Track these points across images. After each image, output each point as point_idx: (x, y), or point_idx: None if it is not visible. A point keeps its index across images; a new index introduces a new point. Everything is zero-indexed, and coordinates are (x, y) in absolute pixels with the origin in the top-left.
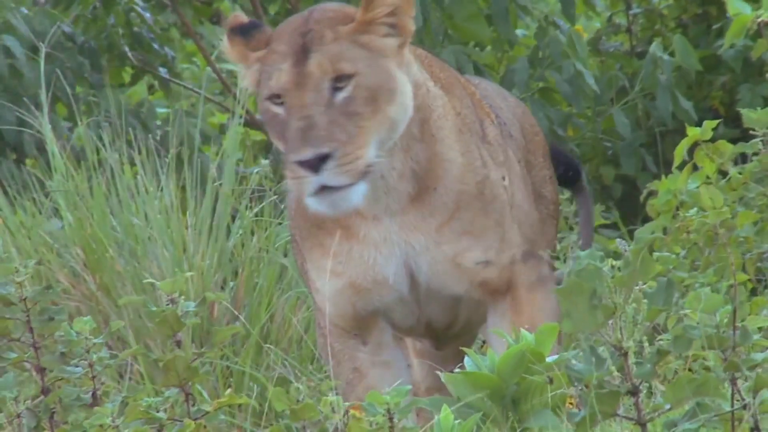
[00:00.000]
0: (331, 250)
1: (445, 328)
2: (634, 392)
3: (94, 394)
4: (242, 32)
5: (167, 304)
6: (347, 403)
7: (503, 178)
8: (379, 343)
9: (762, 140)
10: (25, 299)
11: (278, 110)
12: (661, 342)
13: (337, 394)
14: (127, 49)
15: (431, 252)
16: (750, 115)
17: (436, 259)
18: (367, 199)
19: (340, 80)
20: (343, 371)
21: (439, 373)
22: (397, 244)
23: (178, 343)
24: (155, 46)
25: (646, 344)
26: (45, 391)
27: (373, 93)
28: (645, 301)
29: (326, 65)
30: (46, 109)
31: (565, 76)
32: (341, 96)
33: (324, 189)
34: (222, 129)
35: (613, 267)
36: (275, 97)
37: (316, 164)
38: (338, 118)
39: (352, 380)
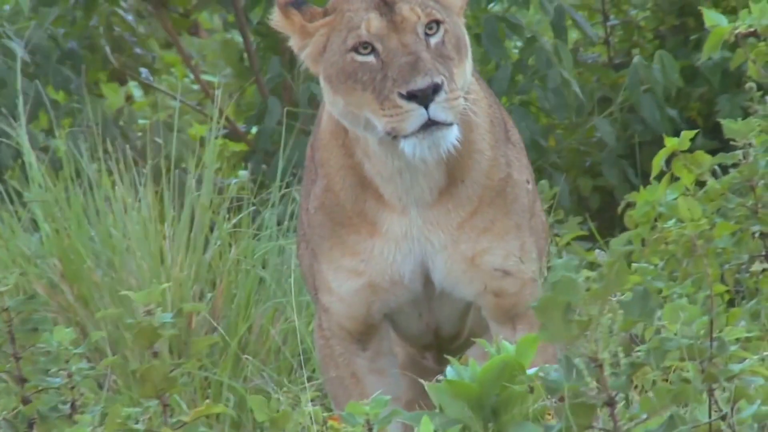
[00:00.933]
0: (355, 248)
1: (452, 338)
2: (610, 403)
3: (72, 405)
4: (295, 6)
5: (144, 316)
6: (337, 411)
7: (527, 182)
8: (377, 350)
9: (743, 151)
10: (7, 309)
11: (367, 59)
12: (638, 353)
13: (329, 396)
14: (108, 51)
15: (449, 250)
16: (731, 126)
17: (453, 258)
18: (405, 184)
19: (431, 27)
20: (341, 375)
21: (423, 382)
22: (417, 240)
23: (156, 355)
24: (137, 50)
25: (621, 355)
26: (25, 402)
27: (458, 42)
28: (621, 311)
29: (418, 11)
30: (23, 118)
31: (551, 84)
32: (434, 41)
33: (429, 125)
34: (202, 141)
35: (588, 278)
36: (362, 47)
37: (428, 95)
38: (437, 58)
39: (348, 385)
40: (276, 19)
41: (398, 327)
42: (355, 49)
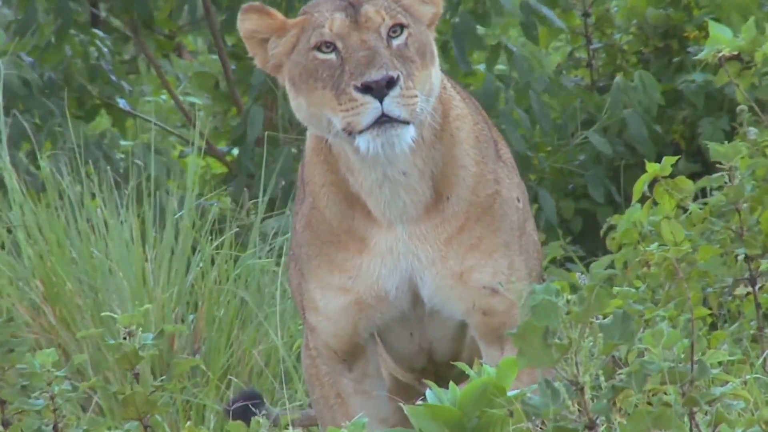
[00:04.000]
0: (343, 265)
1: (448, 363)
2: (591, 427)
3: (55, 427)
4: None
5: (125, 338)
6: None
7: (517, 200)
8: (363, 372)
9: (728, 174)
10: None
11: (328, 56)
12: (621, 376)
13: (316, 416)
14: (85, 82)
15: (437, 266)
16: (717, 149)
17: (441, 273)
18: (386, 198)
19: (395, 29)
20: (326, 395)
21: (402, 405)
22: (403, 256)
23: (137, 377)
24: (113, 78)
25: (602, 378)
26: (5, 424)
27: (422, 47)
28: (600, 334)
29: (383, 13)
30: (4, 142)
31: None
32: (396, 42)
33: (383, 120)
34: (181, 154)
35: (568, 301)
36: (325, 46)
37: (382, 89)
38: (397, 57)
39: (333, 405)
40: (252, 20)
41: (390, 348)
42: (317, 48)
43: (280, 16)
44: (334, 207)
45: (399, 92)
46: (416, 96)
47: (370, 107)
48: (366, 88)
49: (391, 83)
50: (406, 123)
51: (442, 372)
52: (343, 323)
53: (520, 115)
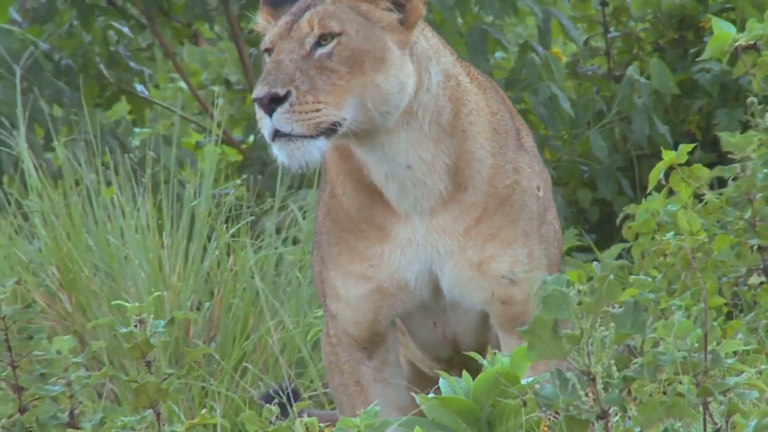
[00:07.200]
0: (364, 254)
1: (475, 352)
2: (603, 417)
3: (71, 413)
4: (272, 4)
5: (136, 326)
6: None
7: (538, 188)
8: (383, 360)
9: (740, 164)
10: (3, 318)
11: (267, 60)
12: (635, 365)
13: (335, 403)
14: (103, 67)
15: (455, 257)
16: (729, 140)
17: (460, 264)
18: (395, 191)
19: (324, 38)
20: (346, 382)
21: (413, 395)
22: (422, 248)
23: (149, 365)
24: (132, 64)
25: (614, 369)
26: (22, 410)
27: (356, 55)
28: (612, 324)
29: (314, 21)
30: (22, 128)
31: (541, 98)
32: (320, 51)
33: (279, 135)
34: (197, 145)
35: (580, 292)
36: (267, 52)
37: (267, 105)
38: (309, 69)
39: (352, 393)
40: (258, 18)
41: (415, 338)
42: (266, 52)
43: (265, 14)
44: (351, 195)
45: (287, 108)
46: (317, 110)
47: (264, 122)
48: (257, 103)
49: (275, 99)
50: (309, 137)
51: (470, 362)
52: (364, 311)
53: (532, 101)
